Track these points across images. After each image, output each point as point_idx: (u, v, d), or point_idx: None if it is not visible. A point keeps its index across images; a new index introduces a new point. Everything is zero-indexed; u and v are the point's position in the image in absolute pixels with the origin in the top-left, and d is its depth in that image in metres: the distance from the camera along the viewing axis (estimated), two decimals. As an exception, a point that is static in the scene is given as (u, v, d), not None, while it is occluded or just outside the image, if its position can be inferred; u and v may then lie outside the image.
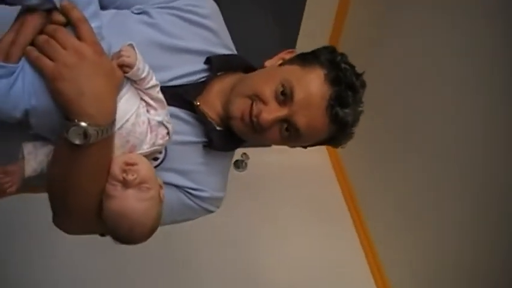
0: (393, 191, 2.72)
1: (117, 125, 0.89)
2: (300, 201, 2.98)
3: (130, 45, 0.91)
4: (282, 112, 1.04)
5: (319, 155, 3.27)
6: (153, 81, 0.93)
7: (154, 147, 0.95)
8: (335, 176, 3.22)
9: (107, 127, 0.85)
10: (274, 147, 2.97)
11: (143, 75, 0.91)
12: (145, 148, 0.94)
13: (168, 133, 0.97)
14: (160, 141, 0.95)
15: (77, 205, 0.93)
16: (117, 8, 1.07)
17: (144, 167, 0.91)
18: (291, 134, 1.06)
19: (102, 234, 1.09)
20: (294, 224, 2.89)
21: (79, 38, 0.84)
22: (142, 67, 0.91)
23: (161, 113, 0.96)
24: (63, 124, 0.83)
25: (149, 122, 0.94)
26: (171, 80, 1.05)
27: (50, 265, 2.41)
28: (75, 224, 1.00)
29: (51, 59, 0.82)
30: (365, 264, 2.84)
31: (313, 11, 2.80)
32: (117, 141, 0.90)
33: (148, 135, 0.94)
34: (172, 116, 1.00)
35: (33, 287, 2.35)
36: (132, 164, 0.90)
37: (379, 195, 2.87)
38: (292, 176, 3.09)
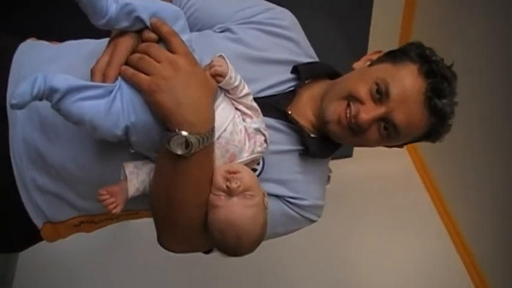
0: (483, 192, 2.63)
1: (216, 134, 0.90)
2: (387, 210, 2.91)
3: (221, 56, 0.93)
4: (380, 110, 1.03)
5: (401, 161, 3.20)
6: (246, 90, 0.95)
7: (254, 155, 0.96)
8: (421, 182, 3.14)
9: (207, 135, 0.87)
10: (355, 157, 3.07)
11: (236, 84, 0.93)
12: (245, 156, 0.95)
13: (265, 140, 0.98)
14: (259, 149, 0.96)
15: (182, 218, 0.95)
16: (199, 30, 1.11)
17: (247, 175, 0.92)
18: (389, 132, 1.05)
19: (207, 252, 1.10)
20: (383, 232, 2.82)
21: (171, 51, 0.88)
22: (234, 76, 0.92)
23: (257, 120, 0.97)
24: (165, 136, 0.86)
25: (246, 130, 0.95)
26: (261, 91, 1.07)
27: None
28: (180, 240, 1.02)
29: (146, 74, 0.86)
30: (462, 268, 2.75)
31: (380, 15, 2.78)
32: (217, 151, 0.92)
33: (247, 143, 0.95)
34: (266, 126, 1.01)
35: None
36: (235, 172, 0.91)
37: (469, 197, 2.77)
38: (376, 185, 3.03)
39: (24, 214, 1.07)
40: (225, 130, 0.93)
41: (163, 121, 0.87)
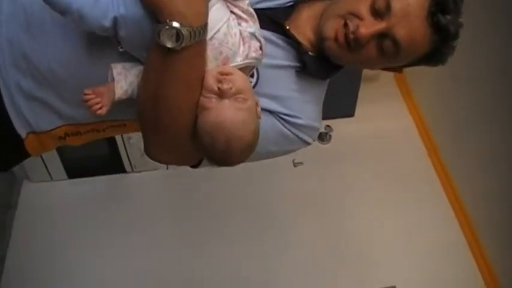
0: (484, 155, 2.60)
1: (209, 34, 0.87)
2: (387, 170, 2.90)
3: None
4: (380, 25, 0.99)
5: (403, 120, 3.19)
6: None
7: (248, 61, 0.92)
8: (421, 142, 3.11)
9: (200, 29, 0.83)
10: (357, 116, 3.04)
11: None
12: (239, 61, 0.92)
13: (261, 47, 0.94)
14: (253, 55, 0.93)
15: (170, 122, 0.92)
16: None
17: (240, 77, 0.89)
18: (389, 49, 1.00)
19: (194, 166, 1.08)
20: (382, 192, 2.81)
21: None
22: None
23: (252, 25, 0.94)
24: (155, 28, 0.83)
25: (241, 34, 0.92)
26: (259, 2, 1.03)
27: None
28: (167, 148, 0.99)
29: None
30: (458, 229, 2.74)
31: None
32: (210, 53, 0.89)
33: (241, 47, 0.92)
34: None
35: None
36: (227, 74, 0.88)
37: (468, 156, 2.75)
38: (377, 144, 3.00)
39: (8, 124, 1.04)
40: (218, 31, 0.89)
41: (154, 13, 0.84)
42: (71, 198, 2.69)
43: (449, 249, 2.66)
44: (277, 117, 1.06)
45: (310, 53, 1.08)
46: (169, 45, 0.83)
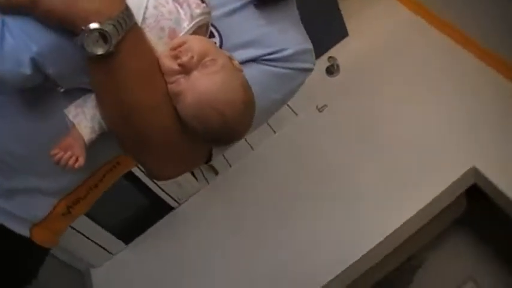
0: None
1: (139, 18, 0.75)
2: (412, 66, 2.66)
3: None
4: None
5: (401, 14, 2.94)
6: None
7: (196, 20, 0.80)
8: (427, 23, 2.86)
9: (122, 16, 0.71)
10: (352, 34, 2.85)
11: None
12: (186, 26, 0.79)
13: (202, 1, 0.81)
14: (197, 11, 0.80)
15: (150, 128, 0.80)
16: None
17: (196, 41, 0.77)
18: None
19: (207, 161, 0.96)
20: (425, 89, 2.56)
21: None
22: None
23: None
24: (76, 43, 0.70)
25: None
26: None
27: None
28: (167, 159, 0.87)
29: None
30: None
31: None
32: (150, 35, 0.76)
33: (180, 10, 0.79)
34: None
35: None
36: (180, 45, 0.76)
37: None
38: (387, 47, 2.81)
39: (7, 232, 0.93)
40: (146, 8, 0.77)
41: (67, 29, 0.72)
42: (140, 261, 2.60)
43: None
44: (263, 62, 0.93)
45: None
46: (100, 51, 0.71)
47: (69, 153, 0.79)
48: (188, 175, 2.64)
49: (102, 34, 0.70)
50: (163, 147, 0.83)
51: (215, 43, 0.88)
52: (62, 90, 0.79)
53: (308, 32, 1.03)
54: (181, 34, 0.79)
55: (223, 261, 2.43)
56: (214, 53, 0.78)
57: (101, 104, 0.79)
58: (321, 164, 2.55)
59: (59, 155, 0.79)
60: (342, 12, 2.77)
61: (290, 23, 0.98)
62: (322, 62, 2.81)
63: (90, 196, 1.00)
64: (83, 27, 0.69)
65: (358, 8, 2.94)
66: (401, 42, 2.82)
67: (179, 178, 2.55)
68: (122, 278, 2.57)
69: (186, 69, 0.76)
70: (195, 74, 0.76)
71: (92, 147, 0.83)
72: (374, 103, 2.64)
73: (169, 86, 0.78)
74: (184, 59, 0.75)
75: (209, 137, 0.81)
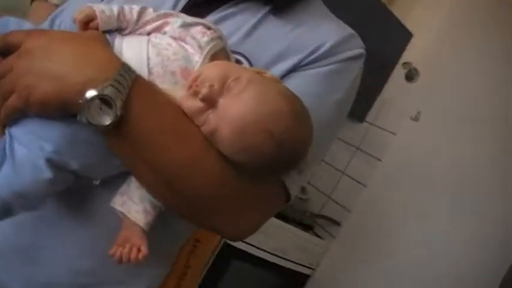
0: None
1: (143, 72, 0.67)
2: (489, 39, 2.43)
3: (89, 7, 0.70)
4: None
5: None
6: (135, 11, 0.72)
7: (207, 49, 0.70)
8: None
9: (120, 73, 0.62)
10: (416, 32, 2.66)
11: (115, 15, 0.70)
12: (198, 59, 0.70)
13: (206, 27, 0.72)
14: (205, 39, 0.71)
15: (202, 185, 0.68)
16: None
17: (211, 68, 0.68)
18: None
19: (287, 200, 0.81)
20: None
21: (15, 46, 0.66)
22: (108, 11, 0.70)
23: (177, 20, 0.73)
24: (81, 121, 0.61)
25: (174, 38, 0.72)
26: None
27: None
28: (233, 215, 0.73)
29: (11, 93, 0.64)
30: None
31: None
32: (164, 84, 0.67)
33: (185, 45, 0.71)
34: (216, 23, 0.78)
35: None
36: (195, 79, 0.66)
37: None
38: (455, 35, 2.60)
39: None
40: (148, 58, 0.68)
41: (69, 111, 0.63)
42: None
43: None
44: (304, 68, 0.81)
45: None
46: (108, 119, 0.61)
47: (128, 246, 0.69)
48: (309, 236, 2.49)
49: (103, 100, 0.60)
50: (224, 201, 0.71)
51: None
52: (97, 182, 0.71)
53: (373, 46, 0.92)
54: (196, 68, 0.70)
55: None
56: (236, 71, 0.67)
57: (139, 179, 0.70)
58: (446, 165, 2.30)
59: (118, 253, 0.69)
60: (397, 16, 2.62)
61: (319, 18, 0.87)
62: (399, 72, 2.64)
63: (189, 278, 0.88)
64: (80, 101, 0.60)
65: (409, 6, 2.76)
66: (463, 24, 2.59)
67: (300, 242, 2.42)
68: None
69: (210, 102, 0.65)
70: (222, 101, 0.65)
71: (157, 233, 0.73)
72: (466, 93, 2.39)
73: (202, 129, 0.67)
74: (204, 90, 0.64)
75: (268, 167, 0.67)
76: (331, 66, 0.81)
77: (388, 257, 2.28)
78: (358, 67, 0.86)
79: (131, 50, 0.69)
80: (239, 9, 0.83)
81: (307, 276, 2.51)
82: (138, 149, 0.65)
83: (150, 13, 0.73)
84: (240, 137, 0.64)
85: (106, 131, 0.62)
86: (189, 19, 0.73)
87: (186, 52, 0.70)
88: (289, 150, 0.66)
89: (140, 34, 0.72)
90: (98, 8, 0.69)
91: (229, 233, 0.77)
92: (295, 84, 0.76)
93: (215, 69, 0.67)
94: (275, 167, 0.68)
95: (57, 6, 1.20)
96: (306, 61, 0.81)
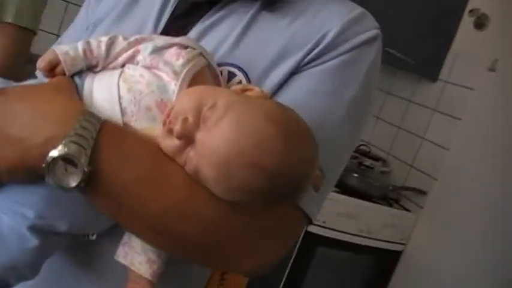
0: None
1: (116, 113, 0.62)
2: None
3: (52, 51, 0.67)
4: None
5: None
6: (104, 42, 0.67)
7: (183, 73, 0.64)
8: None
9: (81, 125, 0.56)
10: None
11: (80, 54, 0.65)
12: (175, 86, 0.64)
13: (182, 46, 0.67)
14: (179, 61, 0.64)
15: (198, 227, 0.62)
16: None
17: (182, 98, 0.61)
18: None
19: (309, 221, 0.72)
20: None
21: None
22: (73, 51, 0.65)
23: (146, 46, 0.67)
24: (49, 182, 0.56)
25: (147, 67, 0.66)
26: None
27: None
28: (248, 251, 0.66)
29: None
30: None
31: None
32: (141, 123, 0.62)
33: (159, 73, 0.65)
34: (200, 36, 0.74)
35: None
36: (168, 114, 0.60)
37: None
38: None
39: None
40: (120, 97, 0.63)
41: (39, 175, 0.58)
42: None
43: None
44: (308, 66, 0.72)
45: None
46: (75, 180, 0.55)
47: None
48: (395, 211, 2.38)
49: (65, 160, 0.55)
50: (228, 241, 0.64)
51: (240, 81, 0.71)
52: (94, 237, 0.68)
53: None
54: (173, 99, 0.63)
55: None
56: (211, 96, 0.60)
57: (131, 229, 0.66)
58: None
59: None
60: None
61: (320, 2, 0.77)
62: (466, 21, 2.42)
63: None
64: (43, 164, 0.55)
65: None
66: None
67: (386, 219, 2.32)
68: None
69: (187, 138, 0.59)
70: (199, 136, 0.58)
71: (170, 279, 0.70)
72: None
73: (185, 168, 0.60)
74: (177, 127, 0.58)
75: (267, 200, 0.60)
76: (341, 58, 0.72)
77: (479, 220, 2.12)
78: (373, 51, 0.75)
79: (102, 90, 0.64)
80: (228, 11, 0.76)
81: (400, 253, 2.41)
82: (119, 203, 0.60)
83: (120, 43, 0.68)
84: (224, 175, 0.57)
85: (79, 190, 0.57)
86: (161, 41, 0.67)
87: (161, 81, 0.64)
88: (287, 179, 0.59)
89: (114, 68, 0.68)
90: (62, 50, 0.66)
91: (247, 269, 0.71)
92: (299, 87, 0.70)
93: (188, 99, 0.60)
94: (276, 199, 0.61)
95: (10, 24, 1.18)
96: (310, 57, 0.72)
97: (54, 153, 0.54)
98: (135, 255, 0.67)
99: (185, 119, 0.58)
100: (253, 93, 0.65)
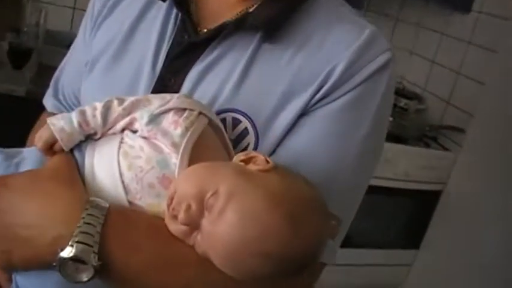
0: None
1: (121, 196, 0.61)
2: None
3: (47, 128, 0.65)
4: None
5: None
6: (99, 110, 0.65)
7: (184, 143, 0.62)
8: None
9: (85, 221, 0.57)
10: None
11: (83, 126, 0.64)
12: (176, 160, 0.62)
13: (180, 112, 0.64)
14: (178, 131, 0.63)
15: None
16: None
17: (183, 182, 0.60)
18: None
19: (323, 266, 0.73)
20: None
21: None
22: (68, 125, 0.64)
23: (142, 114, 0.65)
24: (62, 276, 0.57)
25: (145, 138, 0.64)
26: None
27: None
28: None
29: None
30: None
31: None
32: (146, 200, 0.62)
33: (159, 144, 0.63)
34: (200, 77, 0.72)
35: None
36: (172, 198, 0.60)
37: None
38: None
39: None
40: (122, 175, 0.62)
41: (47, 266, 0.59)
42: None
43: None
44: (315, 107, 0.69)
45: (250, 10, 0.74)
46: (87, 275, 0.56)
47: None
48: (433, 152, 2.36)
49: (75, 259, 0.55)
50: None
51: (245, 128, 0.69)
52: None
53: None
54: (176, 174, 0.62)
55: None
56: (212, 181, 0.59)
57: None
58: None
59: None
60: None
61: (325, 25, 0.72)
62: None
63: None
64: (54, 264, 0.56)
65: None
66: None
67: (422, 161, 2.31)
68: None
69: (192, 225, 0.58)
70: (204, 224, 0.58)
71: None
72: None
73: (195, 248, 0.60)
74: (181, 216, 0.57)
75: (280, 277, 0.60)
76: (351, 94, 0.68)
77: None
78: (385, 79, 0.71)
79: (103, 168, 0.63)
80: (227, 47, 0.72)
81: (439, 193, 2.40)
82: (133, 286, 0.62)
83: (115, 108, 0.65)
84: (231, 263, 0.58)
85: (92, 281, 0.58)
86: (157, 106, 0.65)
87: (162, 154, 0.63)
88: (296, 261, 0.58)
89: (114, 133, 0.66)
90: (57, 126, 0.64)
91: None
92: (308, 131, 0.68)
93: (189, 184, 0.59)
94: (287, 277, 0.61)
95: None
96: (318, 97, 0.68)
97: (63, 254, 0.55)
98: None
99: (188, 207, 0.58)
100: (257, 165, 0.62)
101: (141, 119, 0.64)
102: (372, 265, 2.45)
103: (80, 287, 0.58)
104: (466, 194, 2.31)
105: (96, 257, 0.56)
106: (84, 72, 0.84)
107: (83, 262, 0.56)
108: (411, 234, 2.48)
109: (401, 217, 2.43)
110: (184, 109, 0.65)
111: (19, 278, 0.66)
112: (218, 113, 0.69)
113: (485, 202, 2.19)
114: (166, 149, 0.63)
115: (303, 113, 0.69)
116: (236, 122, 0.69)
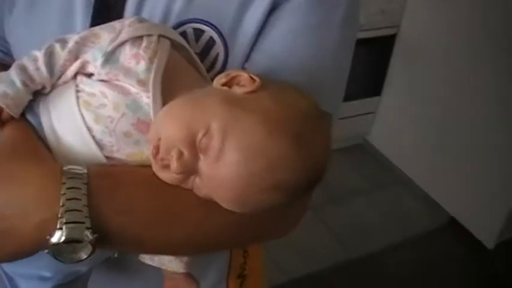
0: None
1: (93, 151, 0.54)
2: None
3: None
4: None
5: None
6: (44, 63, 0.55)
7: (151, 80, 0.53)
8: None
9: (67, 197, 0.49)
10: None
11: (28, 83, 0.55)
12: (147, 99, 0.54)
13: (134, 40, 0.54)
14: (141, 66, 0.53)
15: (217, 238, 0.60)
16: None
17: (166, 125, 0.53)
18: None
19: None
20: None
21: None
22: (11, 88, 0.54)
23: (94, 55, 0.54)
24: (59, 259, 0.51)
25: (104, 81, 0.55)
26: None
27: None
28: (268, 229, 0.64)
29: None
30: None
31: None
32: (123, 151, 0.54)
33: (123, 85, 0.54)
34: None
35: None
36: (157, 147, 0.52)
37: None
38: None
39: None
40: (89, 129, 0.54)
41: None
42: None
43: None
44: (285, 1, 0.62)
45: None
46: (86, 252, 0.51)
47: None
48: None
49: (67, 240, 0.49)
50: (252, 233, 0.63)
51: (210, 38, 0.60)
52: (116, 255, 0.64)
53: None
54: (151, 116, 0.54)
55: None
56: (200, 119, 0.51)
57: (162, 254, 0.65)
58: None
59: None
60: None
61: None
62: None
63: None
64: (46, 251, 0.50)
65: None
66: None
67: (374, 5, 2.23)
68: None
69: (188, 171, 0.52)
70: (202, 167, 0.51)
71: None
72: None
73: (194, 191, 0.54)
74: (174, 165, 0.51)
75: (287, 202, 0.54)
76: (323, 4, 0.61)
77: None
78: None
79: (65, 126, 0.54)
80: None
81: (394, 36, 2.39)
82: (139, 245, 0.57)
83: (59, 53, 0.55)
84: (241, 204, 0.53)
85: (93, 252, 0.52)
86: (108, 42, 0.54)
87: (129, 96, 0.54)
88: (309, 183, 0.54)
89: (65, 82, 0.56)
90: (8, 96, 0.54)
91: (273, 238, 0.69)
92: (279, 31, 0.60)
93: (173, 127, 0.52)
94: (298, 198, 0.56)
95: None
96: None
97: (54, 240, 0.49)
98: (162, 256, 0.65)
99: (180, 154, 0.51)
100: (242, 86, 0.55)
101: (94, 60, 0.54)
102: (338, 119, 2.49)
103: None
104: (419, 34, 2.31)
105: (91, 232, 0.50)
106: (4, 7, 0.67)
107: (78, 241, 0.49)
108: (372, 82, 2.51)
109: (360, 67, 2.43)
110: (141, 36, 0.54)
111: (5, 266, 0.63)
112: (175, 27, 0.60)
113: (437, 39, 2.20)
114: (133, 88, 0.54)
115: (272, 9, 0.60)
116: (198, 33, 0.60)
